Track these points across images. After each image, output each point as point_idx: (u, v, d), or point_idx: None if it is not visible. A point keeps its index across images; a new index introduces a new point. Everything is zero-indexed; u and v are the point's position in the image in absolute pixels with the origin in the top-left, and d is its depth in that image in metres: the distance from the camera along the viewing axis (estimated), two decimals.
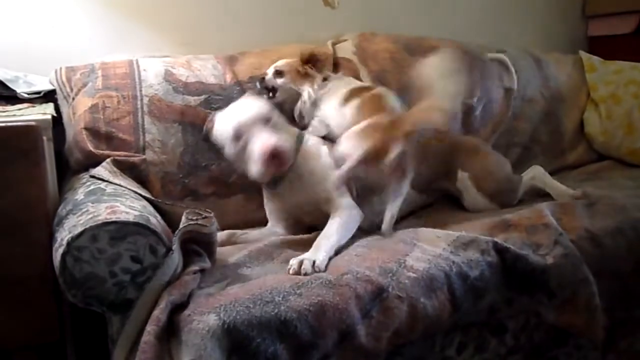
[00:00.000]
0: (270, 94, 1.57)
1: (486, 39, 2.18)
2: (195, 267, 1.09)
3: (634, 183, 1.74)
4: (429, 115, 1.37)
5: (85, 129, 1.45)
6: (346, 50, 1.88)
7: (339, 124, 1.47)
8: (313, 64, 1.57)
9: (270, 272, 1.17)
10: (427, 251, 1.21)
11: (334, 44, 1.90)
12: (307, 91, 1.55)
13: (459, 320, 1.18)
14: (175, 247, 1.07)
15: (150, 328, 0.97)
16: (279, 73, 1.56)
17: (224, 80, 1.65)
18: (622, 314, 1.35)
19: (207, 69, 1.66)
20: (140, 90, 1.53)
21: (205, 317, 0.97)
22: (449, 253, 1.20)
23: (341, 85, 1.57)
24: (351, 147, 1.34)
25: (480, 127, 1.89)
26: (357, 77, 1.80)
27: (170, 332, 0.99)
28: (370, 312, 1.07)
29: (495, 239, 1.24)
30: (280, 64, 1.59)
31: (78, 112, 1.48)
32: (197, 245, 1.14)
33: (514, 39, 2.31)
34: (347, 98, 1.51)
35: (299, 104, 1.56)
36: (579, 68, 2.22)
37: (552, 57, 2.22)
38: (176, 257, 1.07)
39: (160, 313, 0.98)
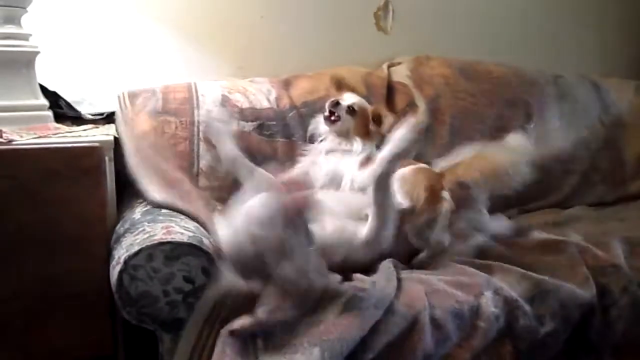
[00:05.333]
0: (332, 119, 1.51)
1: (543, 63, 2.13)
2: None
3: None
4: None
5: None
6: (401, 74, 1.87)
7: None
8: (378, 124, 1.52)
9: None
10: (503, 293, 1.14)
11: (389, 67, 1.90)
12: (357, 143, 1.50)
13: None
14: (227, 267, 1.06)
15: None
16: (352, 111, 1.51)
17: (278, 105, 1.67)
18: None
19: (261, 94, 1.68)
20: (198, 116, 1.56)
21: (309, 350, 0.96)
22: (524, 301, 1.14)
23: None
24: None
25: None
26: (412, 102, 1.79)
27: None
28: (432, 358, 1.05)
29: (578, 292, 1.18)
30: (358, 103, 1.53)
31: (139, 128, 1.49)
32: None
33: (572, 64, 2.24)
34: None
35: (343, 143, 1.51)
36: None
37: (612, 82, 2.15)
38: (229, 276, 1.06)
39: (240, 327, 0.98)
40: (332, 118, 1.51)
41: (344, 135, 1.52)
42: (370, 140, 1.51)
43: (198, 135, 1.54)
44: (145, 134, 1.49)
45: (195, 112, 1.56)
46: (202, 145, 1.53)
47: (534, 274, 1.20)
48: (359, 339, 0.98)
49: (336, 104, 1.50)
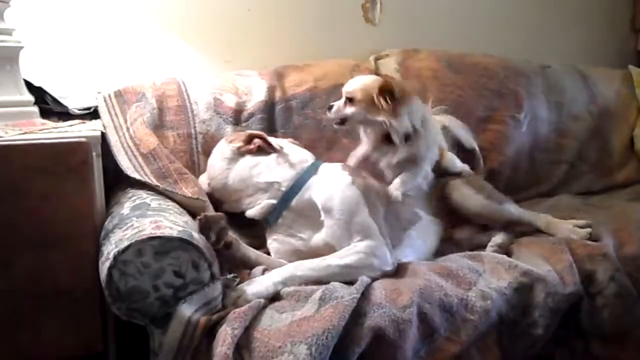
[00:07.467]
0: (339, 123, 1.43)
1: (531, 54, 2.14)
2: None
3: None
4: None
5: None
6: (389, 67, 1.87)
7: None
8: (391, 98, 1.35)
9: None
10: (491, 285, 1.16)
11: (376, 60, 1.90)
12: (386, 121, 1.35)
13: None
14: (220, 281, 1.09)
15: None
16: (350, 100, 1.39)
17: (270, 97, 1.66)
18: None
19: (253, 88, 1.67)
20: (194, 127, 1.54)
21: (296, 349, 0.95)
22: (512, 291, 1.15)
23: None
24: None
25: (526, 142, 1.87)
26: None
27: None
28: (419, 352, 1.05)
29: (564, 281, 1.19)
30: (352, 89, 1.39)
31: (146, 144, 1.44)
32: None
33: (560, 54, 2.26)
34: None
35: (397, 128, 1.36)
36: (628, 83, 2.16)
37: (599, 72, 2.16)
38: (219, 287, 1.08)
39: (227, 349, 0.96)
40: (337, 123, 1.43)
41: (365, 122, 1.40)
42: (389, 114, 1.35)
43: (197, 148, 1.53)
44: (155, 150, 1.44)
45: (191, 122, 1.55)
46: (202, 158, 1.51)
47: (521, 264, 1.21)
48: (342, 329, 0.98)
49: (330, 108, 1.43)
